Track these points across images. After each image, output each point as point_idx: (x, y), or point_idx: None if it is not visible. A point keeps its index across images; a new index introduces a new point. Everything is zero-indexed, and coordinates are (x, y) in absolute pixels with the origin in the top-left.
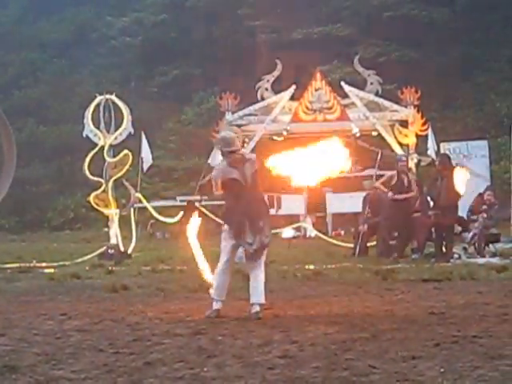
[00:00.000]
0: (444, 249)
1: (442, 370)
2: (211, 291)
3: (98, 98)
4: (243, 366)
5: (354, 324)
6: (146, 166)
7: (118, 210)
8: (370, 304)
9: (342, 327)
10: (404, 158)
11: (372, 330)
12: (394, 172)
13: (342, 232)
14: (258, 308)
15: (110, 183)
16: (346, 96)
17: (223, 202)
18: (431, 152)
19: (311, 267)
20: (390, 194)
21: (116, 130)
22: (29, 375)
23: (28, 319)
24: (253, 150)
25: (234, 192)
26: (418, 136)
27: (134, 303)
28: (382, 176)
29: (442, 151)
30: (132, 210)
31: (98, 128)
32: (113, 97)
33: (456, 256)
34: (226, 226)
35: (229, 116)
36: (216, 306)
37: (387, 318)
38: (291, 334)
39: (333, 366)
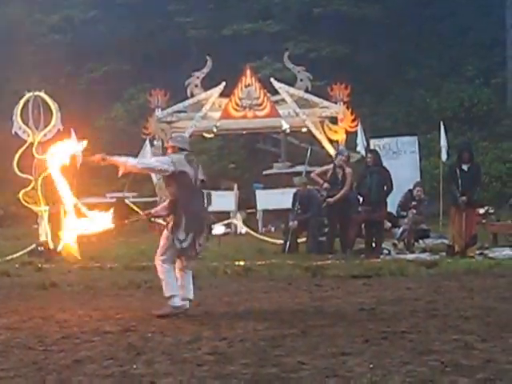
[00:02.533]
0: (374, 245)
1: (371, 365)
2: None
3: (27, 95)
4: (172, 363)
5: (284, 320)
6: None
7: (47, 207)
8: (299, 300)
9: (272, 323)
10: (346, 153)
11: (302, 326)
12: (331, 165)
13: (273, 228)
14: (188, 305)
15: (40, 180)
16: (276, 92)
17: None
18: (360, 148)
19: (241, 264)
20: (326, 184)
21: (45, 126)
22: None
23: None
24: None
25: (182, 186)
26: (347, 132)
27: (63, 301)
28: (311, 172)
29: (372, 147)
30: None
31: (27, 125)
32: (42, 94)
33: (386, 252)
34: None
35: (158, 113)
36: (177, 303)
37: (317, 314)
38: (220, 331)
39: (262, 363)
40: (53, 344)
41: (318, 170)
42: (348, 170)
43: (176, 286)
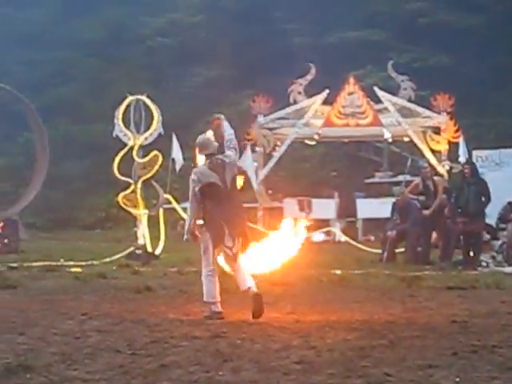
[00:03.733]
0: (472, 256)
1: (457, 379)
2: (205, 296)
3: (129, 99)
4: (259, 371)
5: (374, 331)
6: (178, 167)
7: (146, 211)
8: (392, 311)
9: (362, 334)
10: (426, 165)
11: (391, 337)
12: (419, 179)
13: (372, 237)
14: (255, 288)
15: (139, 184)
16: (378, 101)
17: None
18: (462, 159)
19: (337, 272)
20: (422, 197)
21: (146, 130)
22: (43, 375)
23: (49, 318)
24: (284, 154)
25: (213, 196)
26: (450, 143)
27: (156, 305)
28: (411, 182)
29: (474, 159)
30: (161, 210)
31: (128, 128)
32: (143, 97)
33: (484, 264)
34: (204, 230)
35: (261, 119)
36: (215, 308)
37: (408, 326)
38: (310, 340)
39: (348, 373)
40: (141, 348)
41: (409, 187)
42: (437, 179)
43: (214, 292)
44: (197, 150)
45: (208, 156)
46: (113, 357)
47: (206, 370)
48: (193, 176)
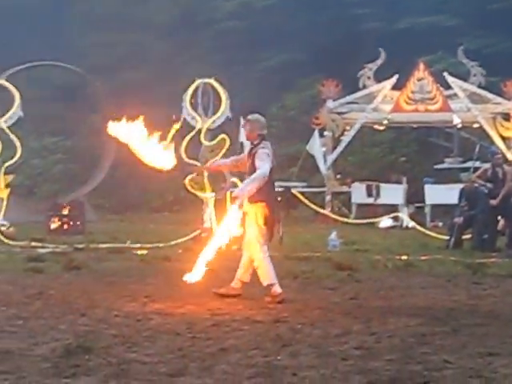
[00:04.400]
0: None
1: None
2: (265, 279)
3: (197, 82)
4: (317, 356)
5: (437, 317)
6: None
7: (213, 194)
8: (456, 298)
9: (424, 320)
10: (498, 151)
11: (453, 324)
12: (489, 165)
13: (440, 224)
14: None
15: None
16: (448, 87)
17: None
18: None
19: (403, 258)
20: (489, 184)
21: (214, 113)
22: (102, 356)
23: (111, 300)
24: (353, 138)
25: (271, 179)
26: None
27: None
28: (479, 168)
29: None
30: (228, 194)
31: (196, 111)
32: (211, 80)
33: None
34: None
35: (330, 103)
36: (277, 289)
37: (471, 313)
38: (371, 325)
39: (407, 360)
40: (201, 331)
41: (478, 172)
42: (507, 168)
43: (274, 273)
44: (255, 128)
45: (263, 136)
46: (172, 340)
47: (264, 354)
48: (268, 151)
